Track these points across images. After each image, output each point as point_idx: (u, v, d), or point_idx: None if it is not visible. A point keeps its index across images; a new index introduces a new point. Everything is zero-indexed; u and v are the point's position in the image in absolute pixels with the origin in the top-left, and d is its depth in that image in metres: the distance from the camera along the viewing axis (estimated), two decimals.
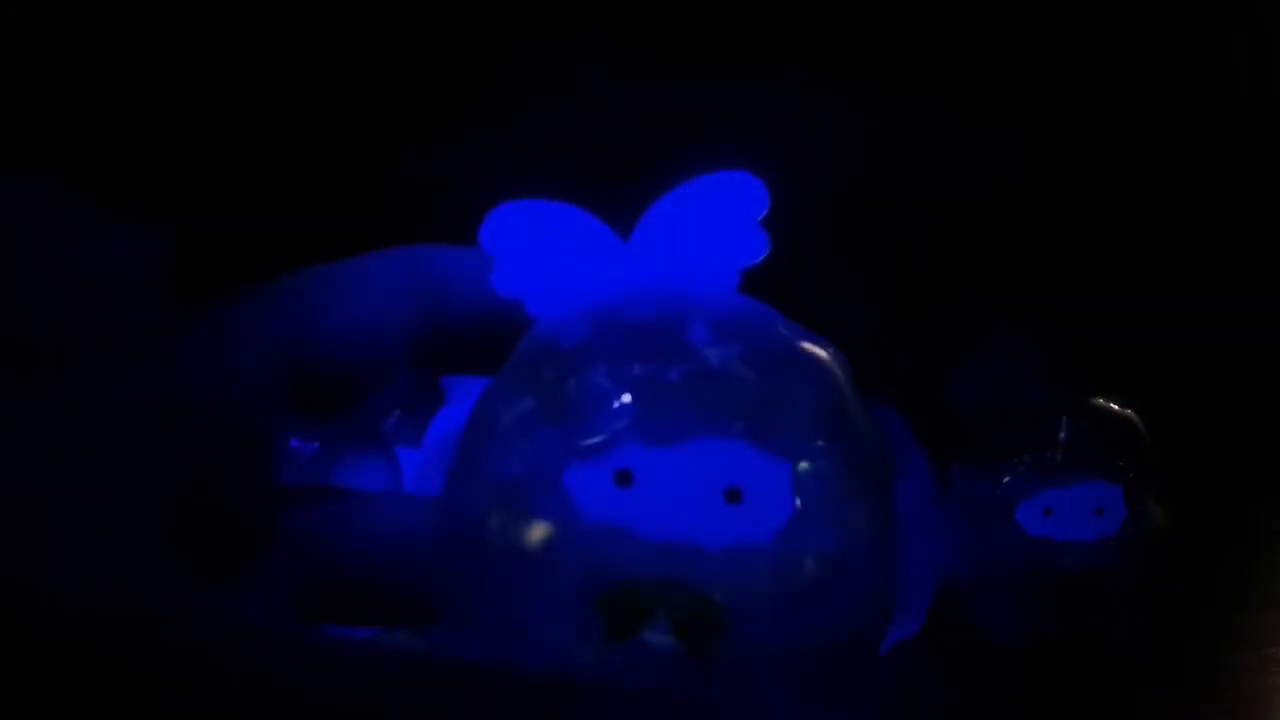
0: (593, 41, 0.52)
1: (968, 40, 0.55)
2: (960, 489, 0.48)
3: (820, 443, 0.21)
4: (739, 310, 0.23)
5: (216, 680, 0.17)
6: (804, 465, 0.21)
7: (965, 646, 0.46)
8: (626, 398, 0.21)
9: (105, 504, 0.19)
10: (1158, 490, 0.48)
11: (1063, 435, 0.48)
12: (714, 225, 0.23)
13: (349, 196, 0.52)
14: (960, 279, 0.57)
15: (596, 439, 0.21)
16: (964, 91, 0.55)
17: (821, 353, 0.22)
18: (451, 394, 0.48)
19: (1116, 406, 0.48)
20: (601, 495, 0.21)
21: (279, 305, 0.23)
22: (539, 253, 0.23)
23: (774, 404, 0.21)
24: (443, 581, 0.21)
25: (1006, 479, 0.48)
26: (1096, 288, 0.56)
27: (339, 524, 0.24)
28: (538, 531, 0.20)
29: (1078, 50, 0.56)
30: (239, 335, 0.22)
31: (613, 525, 0.20)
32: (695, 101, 0.52)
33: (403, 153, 0.54)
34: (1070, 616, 0.48)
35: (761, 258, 0.23)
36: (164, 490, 0.20)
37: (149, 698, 0.17)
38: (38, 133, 0.49)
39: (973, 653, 0.46)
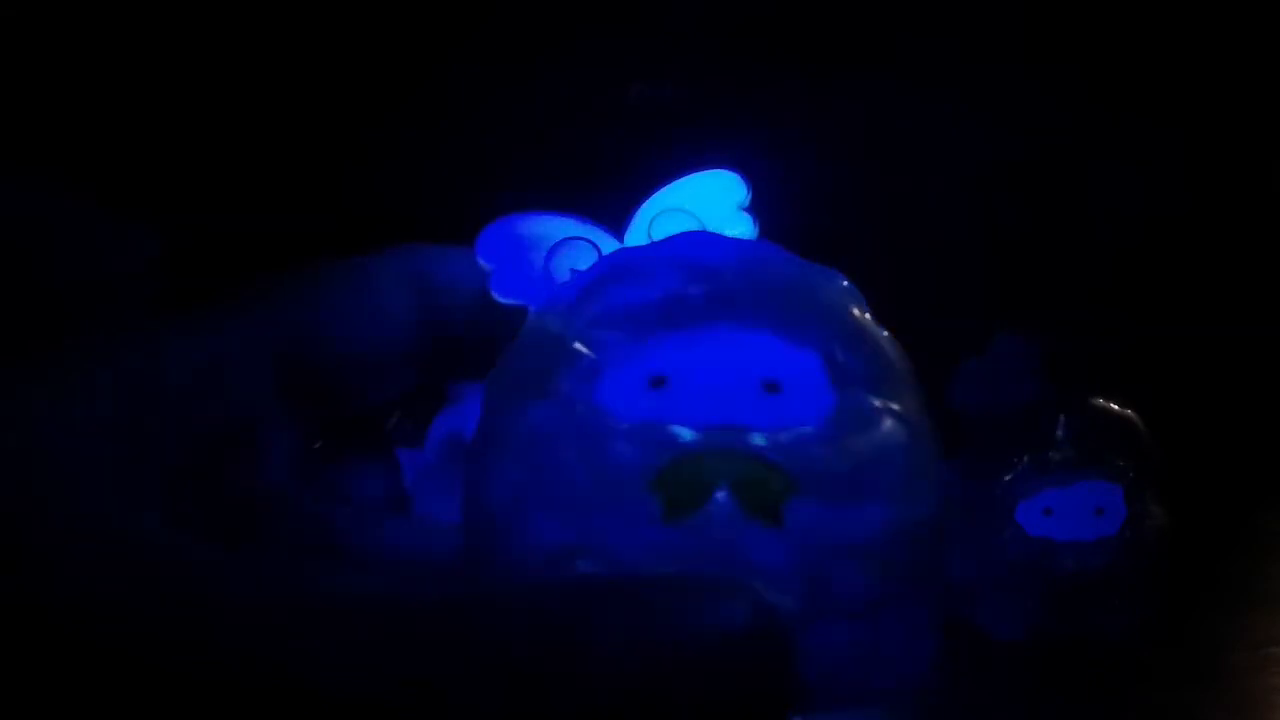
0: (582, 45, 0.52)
1: (982, 37, 0.55)
2: (960, 489, 0.48)
3: (844, 338, 0.21)
4: (743, 245, 0.23)
5: (223, 647, 0.17)
6: (832, 357, 0.21)
7: (965, 646, 0.46)
8: (644, 314, 0.21)
9: (101, 471, 0.19)
10: (1158, 490, 0.48)
11: (1063, 435, 0.48)
12: (701, 215, 0.23)
13: (342, 200, 0.52)
14: (961, 279, 0.57)
15: (620, 345, 0.21)
16: (974, 90, 0.55)
17: (831, 274, 0.23)
18: (453, 396, 0.48)
19: (1116, 406, 0.48)
20: (638, 400, 0.20)
21: (274, 303, 0.23)
22: (535, 261, 0.23)
23: (793, 300, 0.21)
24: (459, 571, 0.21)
25: (1006, 479, 0.48)
26: (1098, 288, 0.56)
27: (346, 536, 0.24)
28: (581, 436, 0.20)
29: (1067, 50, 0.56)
30: (233, 331, 0.22)
31: (658, 420, 0.20)
32: (696, 104, 0.52)
33: (393, 156, 0.54)
34: (1070, 616, 0.48)
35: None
36: (159, 464, 0.20)
37: (151, 671, 0.17)
38: (37, 133, 0.49)
39: (973, 653, 0.46)
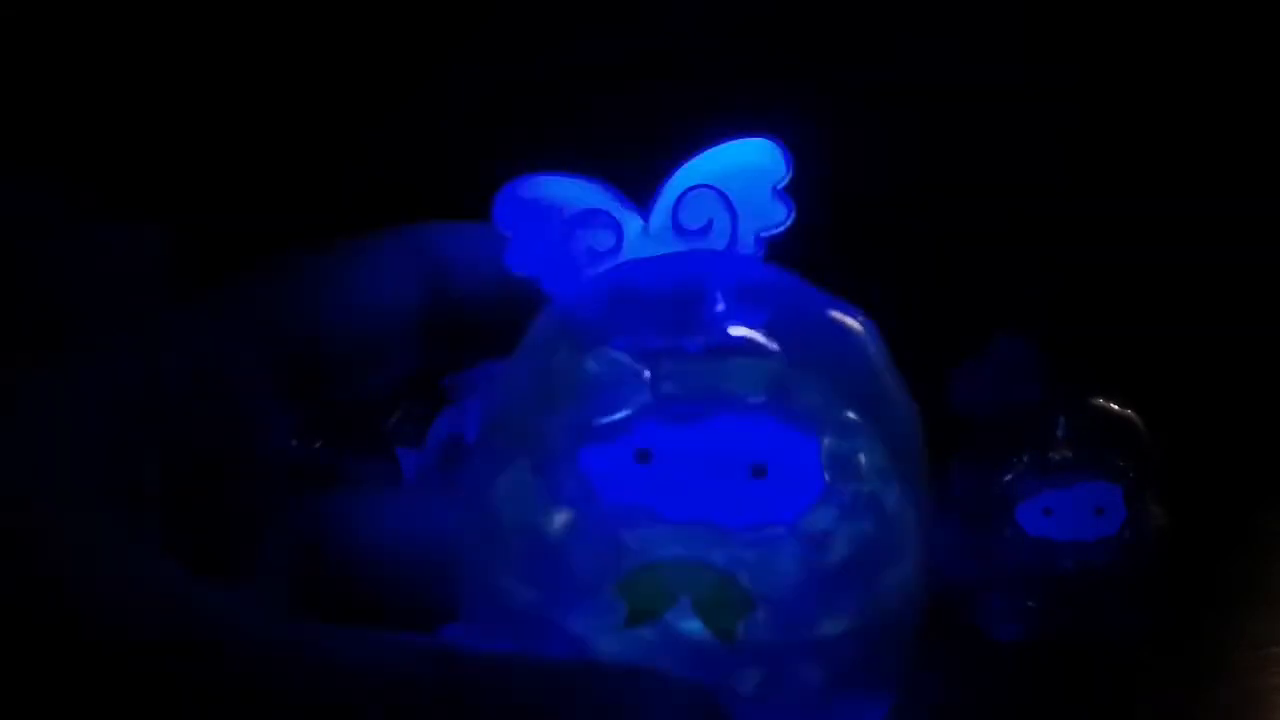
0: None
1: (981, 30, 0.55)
2: (960, 489, 0.48)
3: (849, 415, 0.20)
4: (762, 278, 0.22)
5: (212, 678, 0.17)
6: (831, 440, 0.20)
7: (965, 646, 0.46)
8: (644, 374, 0.20)
9: (99, 491, 0.19)
10: (1158, 490, 0.48)
11: (1062, 435, 0.48)
12: (734, 193, 0.22)
13: (343, 200, 0.52)
14: (961, 277, 0.57)
15: (614, 417, 0.20)
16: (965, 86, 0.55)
17: (850, 321, 0.21)
18: (454, 395, 0.48)
19: (1116, 406, 0.48)
20: (621, 474, 0.20)
21: (273, 292, 0.22)
22: (554, 228, 0.22)
23: (799, 376, 0.21)
24: (457, 574, 0.21)
25: (1006, 479, 0.48)
26: (1096, 286, 0.56)
27: (347, 519, 0.24)
28: (556, 515, 0.20)
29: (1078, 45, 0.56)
30: (229, 322, 0.22)
31: (633, 506, 0.20)
32: (717, 76, 0.52)
33: (395, 146, 0.54)
34: (1070, 616, 0.48)
35: (785, 226, 0.22)
36: (157, 478, 0.20)
37: (145, 694, 0.17)
38: (37, 133, 0.49)
39: (973, 653, 0.46)
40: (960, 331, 0.51)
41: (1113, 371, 0.51)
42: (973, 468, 0.48)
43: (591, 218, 0.22)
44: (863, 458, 0.20)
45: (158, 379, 0.20)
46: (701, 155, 0.22)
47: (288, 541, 0.23)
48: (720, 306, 0.21)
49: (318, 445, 0.45)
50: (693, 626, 0.20)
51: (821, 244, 0.23)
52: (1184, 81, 0.56)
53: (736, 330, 0.21)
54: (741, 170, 0.22)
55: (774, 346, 0.21)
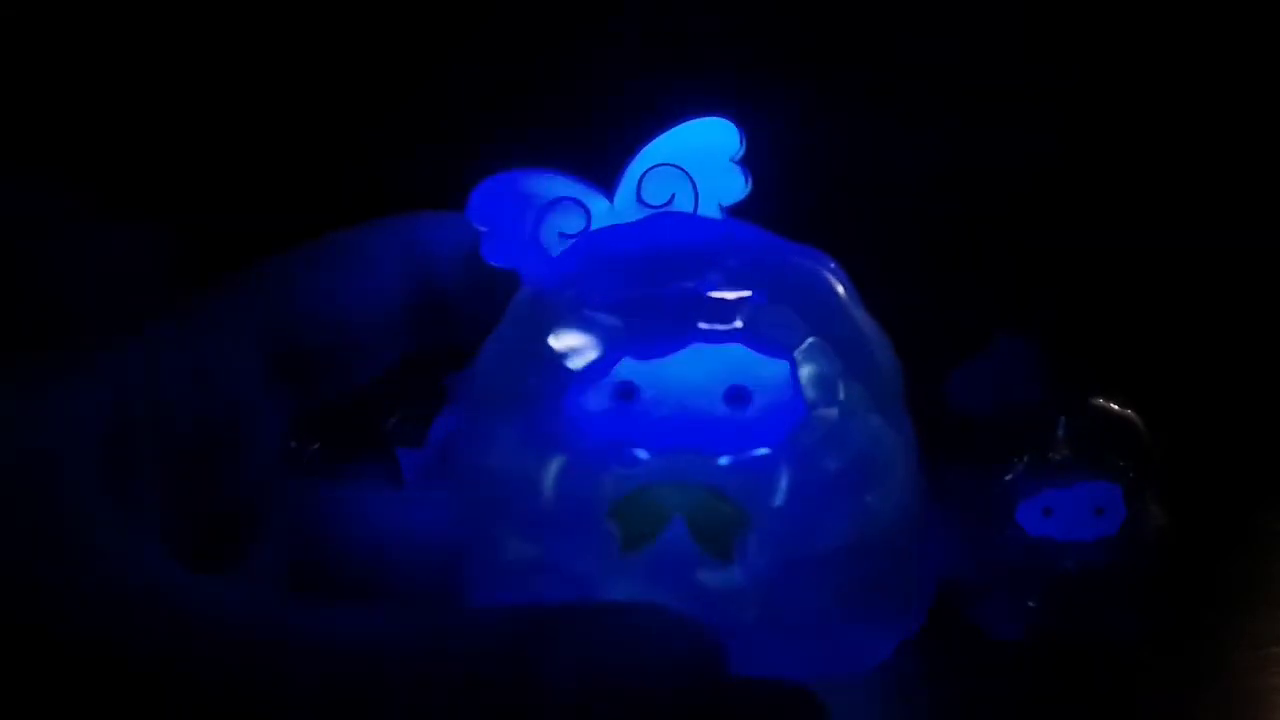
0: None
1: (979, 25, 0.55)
2: (960, 489, 0.48)
3: (819, 341, 0.21)
4: (727, 230, 0.23)
5: (211, 674, 0.17)
6: (806, 364, 0.21)
7: (965, 646, 0.46)
8: (619, 321, 0.21)
9: (98, 489, 0.19)
10: (1158, 490, 0.48)
11: (1063, 435, 0.48)
12: (694, 168, 0.23)
13: (343, 200, 0.52)
14: (961, 276, 0.57)
15: (592, 357, 0.21)
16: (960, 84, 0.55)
17: (817, 264, 0.22)
18: (453, 393, 0.47)
19: (1116, 406, 0.48)
20: (606, 414, 0.21)
21: (262, 287, 0.23)
22: (525, 219, 0.23)
23: (770, 307, 0.21)
24: (456, 565, 0.21)
25: (1006, 479, 0.48)
26: (1096, 285, 0.56)
27: (344, 514, 0.24)
28: (548, 465, 0.20)
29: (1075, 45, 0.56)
30: (221, 324, 0.22)
31: (620, 441, 0.20)
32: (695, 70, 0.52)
33: (390, 142, 0.54)
34: (1070, 616, 0.48)
35: (742, 196, 0.23)
36: (156, 475, 0.20)
37: (144, 689, 0.17)
38: (37, 133, 0.49)
39: (973, 653, 0.46)
40: (960, 331, 0.51)
41: (1113, 371, 0.51)
42: (973, 468, 0.48)
43: (560, 205, 0.23)
44: (840, 382, 0.21)
45: (157, 378, 0.21)
46: (660, 137, 0.23)
47: (285, 536, 0.23)
48: (687, 255, 0.22)
49: (317, 445, 0.45)
50: (690, 547, 0.20)
51: (820, 243, 0.23)
52: (1185, 79, 0.56)
53: (706, 274, 0.22)
54: (699, 148, 0.23)
55: (744, 286, 0.22)
